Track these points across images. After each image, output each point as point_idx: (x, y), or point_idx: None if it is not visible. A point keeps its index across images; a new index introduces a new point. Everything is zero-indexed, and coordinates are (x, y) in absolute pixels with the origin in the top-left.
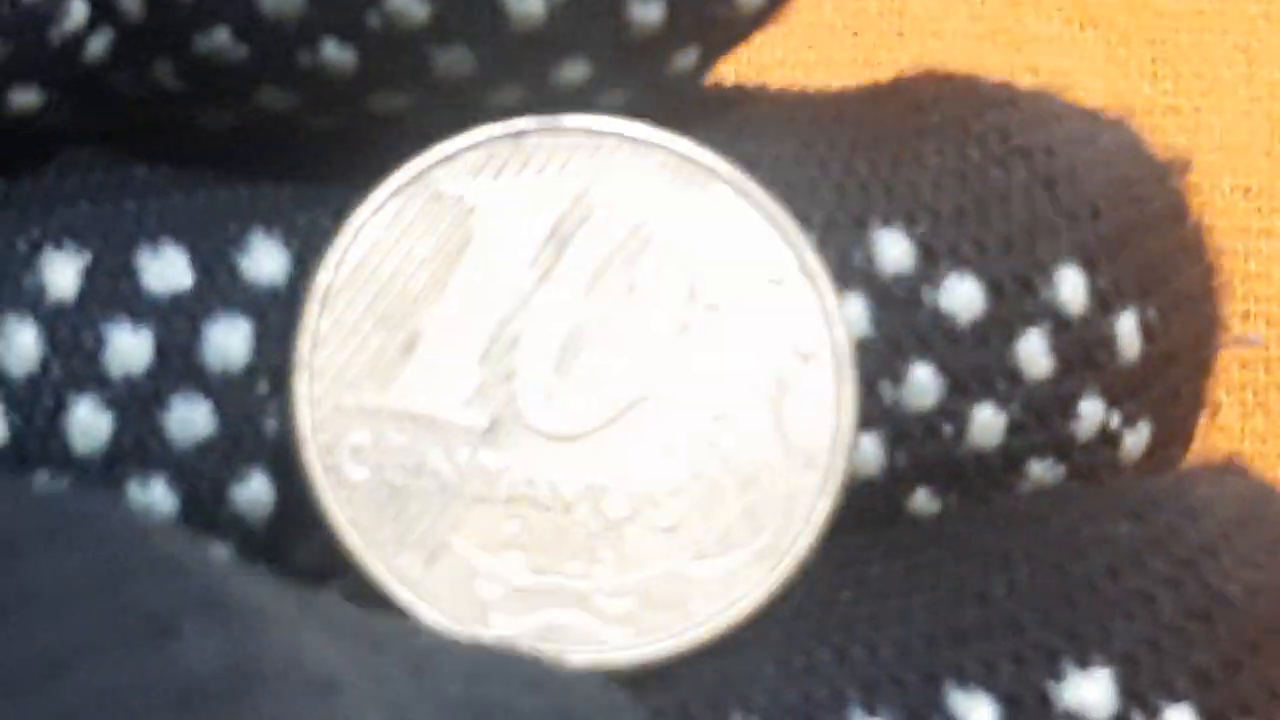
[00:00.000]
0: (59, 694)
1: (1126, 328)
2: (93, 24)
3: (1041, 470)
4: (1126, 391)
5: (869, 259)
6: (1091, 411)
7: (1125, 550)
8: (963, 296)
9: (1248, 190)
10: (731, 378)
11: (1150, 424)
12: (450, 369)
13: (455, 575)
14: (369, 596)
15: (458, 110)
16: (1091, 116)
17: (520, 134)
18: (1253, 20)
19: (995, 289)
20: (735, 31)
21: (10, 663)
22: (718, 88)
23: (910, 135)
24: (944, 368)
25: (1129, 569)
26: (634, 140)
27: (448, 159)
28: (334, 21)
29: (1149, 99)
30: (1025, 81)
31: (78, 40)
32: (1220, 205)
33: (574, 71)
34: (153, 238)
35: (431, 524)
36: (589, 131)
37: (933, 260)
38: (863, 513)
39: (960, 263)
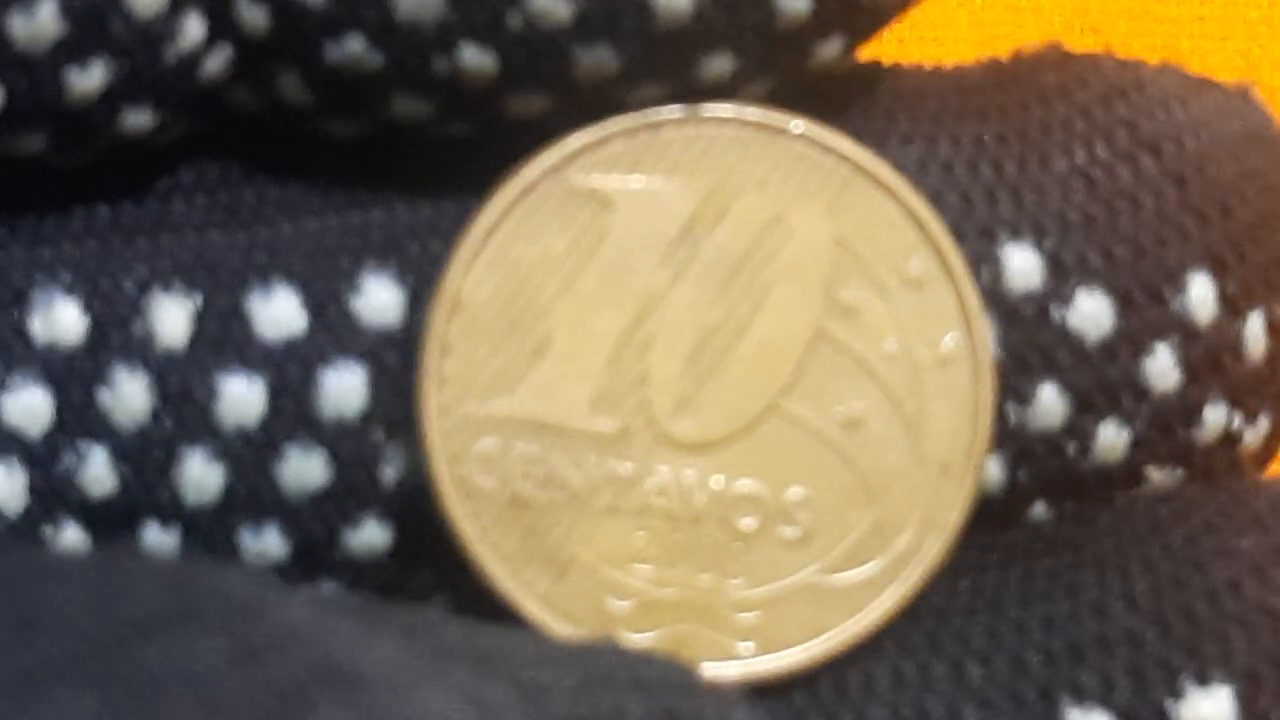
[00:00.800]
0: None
1: (1254, 329)
2: (211, 40)
3: (1161, 477)
4: (1250, 391)
5: (996, 276)
6: (1215, 417)
7: (1247, 562)
8: (1092, 314)
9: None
10: (866, 384)
11: (1270, 416)
12: (580, 373)
13: (584, 588)
14: (492, 609)
15: (594, 111)
16: (1218, 91)
17: (657, 125)
18: (1253, 26)
19: (1124, 301)
20: (879, 18)
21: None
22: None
23: (1036, 131)
24: (1071, 387)
25: (1251, 581)
26: (772, 130)
27: (582, 152)
28: (473, 24)
29: None
30: None
31: (194, 59)
32: None
33: (719, 66)
34: (264, 277)
35: (561, 537)
36: (727, 121)
37: (1062, 275)
38: (980, 523)
39: (1089, 276)
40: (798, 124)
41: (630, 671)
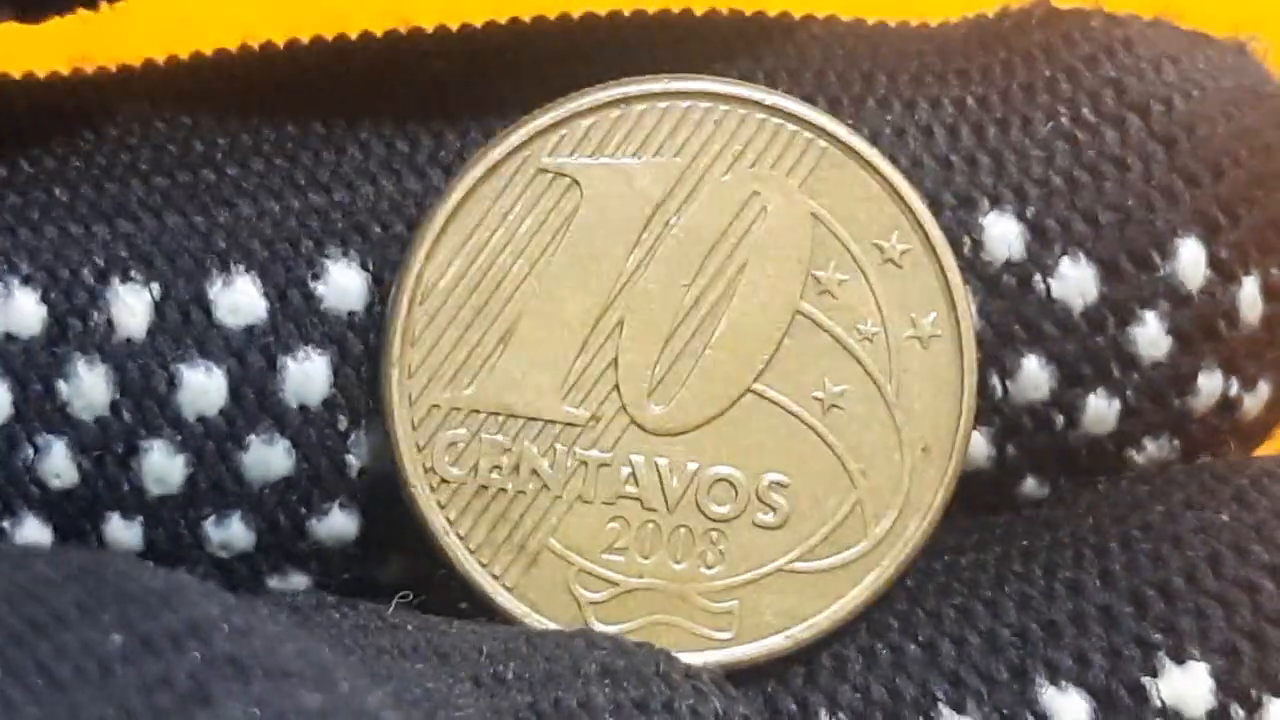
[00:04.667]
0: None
1: (1249, 294)
2: None
3: (1156, 448)
4: (1247, 356)
5: (977, 245)
6: (1210, 384)
7: (1227, 537)
8: (1076, 282)
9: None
10: (845, 364)
11: (1270, 382)
12: (549, 360)
13: (555, 579)
14: (463, 599)
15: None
16: (1213, 47)
17: (626, 100)
18: (1260, 20)
19: (1110, 269)
20: None
21: None
22: (810, 21)
23: (1020, 92)
24: (1056, 358)
25: (1231, 557)
26: (746, 103)
27: (548, 130)
28: None
29: None
30: None
31: None
32: None
33: None
34: (224, 264)
35: (531, 526)
36: (698, 94)
37: (1045, 243)
38: (969, 500)
39: (1073, 243)
40: (766, 93)
41: (599, 662)
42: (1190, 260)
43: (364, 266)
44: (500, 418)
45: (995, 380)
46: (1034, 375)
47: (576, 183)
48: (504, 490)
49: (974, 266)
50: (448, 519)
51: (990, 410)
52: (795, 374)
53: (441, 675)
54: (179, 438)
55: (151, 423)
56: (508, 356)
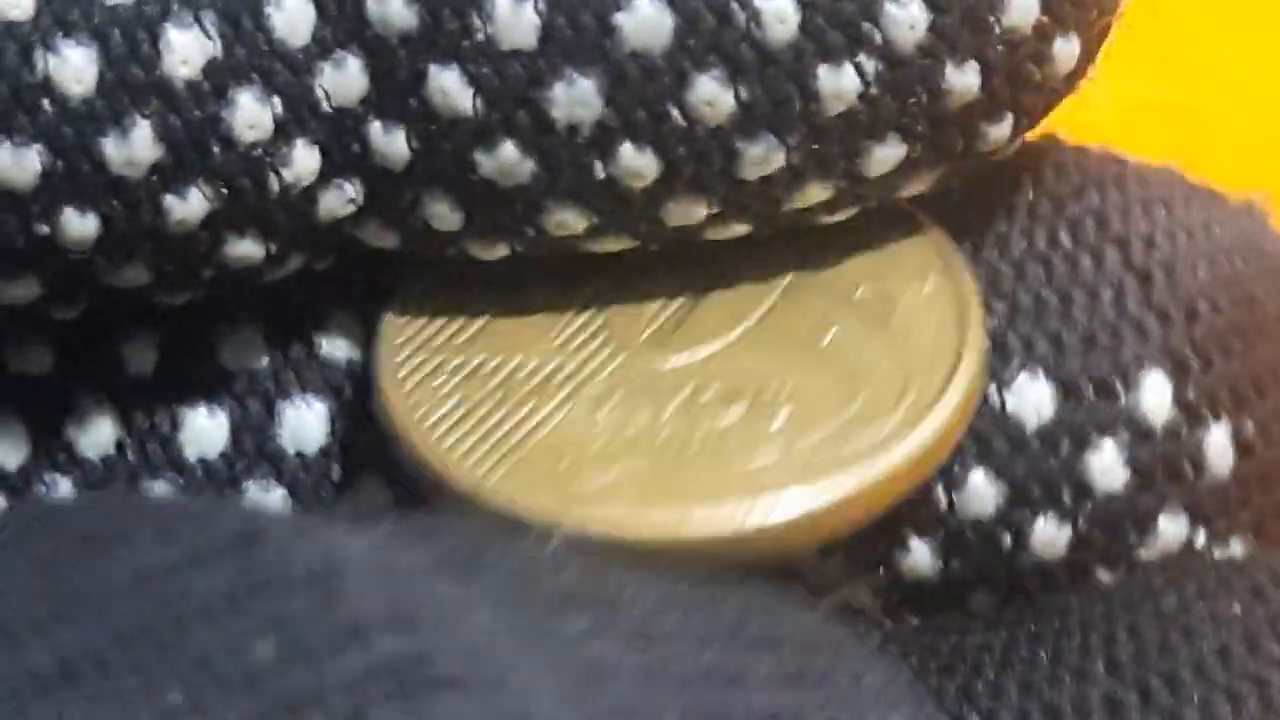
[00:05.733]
0: (157, 598)
1: (1218, 441)
2: (330, 174)
3: (1112, 581)
4: (1216, 509)
5: None
6: (1172, 528)
7: (1239, 631)
8: (1033, 399)
9: (1258, 192)
10: (841, 310)
11: (1244, 541)
12: (548, 315)
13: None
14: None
15: (757, 212)
16: (1214, 200)
17: None
18: (1266, 19)
19: (1070, 391)
20: (1050, 95)
21: (115, 578)
22: None
23: (1000, 214)
24: (1004, 475)
25: (1241, 650)
26: None
27: None
28: (631, 122)
29: (1160, 99)
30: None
31: (308, 191)
32: None
33: (887, 154)
34: (230, 317)
35: (524, 433)
36: None
37: (1003, 356)
38: (922, 607)
39: (1033, 360)
40: None
41: (761, 627)
42: (1154, 394)
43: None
44: (492, 362)
45: (940, 491)
46: (980, 490)
47: None
48: (495, 403)
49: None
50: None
51: (935, 521)
52: (793, 317)
53: (598, 632)
54: (180, 480)
55: (154, 465)
56: (498, 318)
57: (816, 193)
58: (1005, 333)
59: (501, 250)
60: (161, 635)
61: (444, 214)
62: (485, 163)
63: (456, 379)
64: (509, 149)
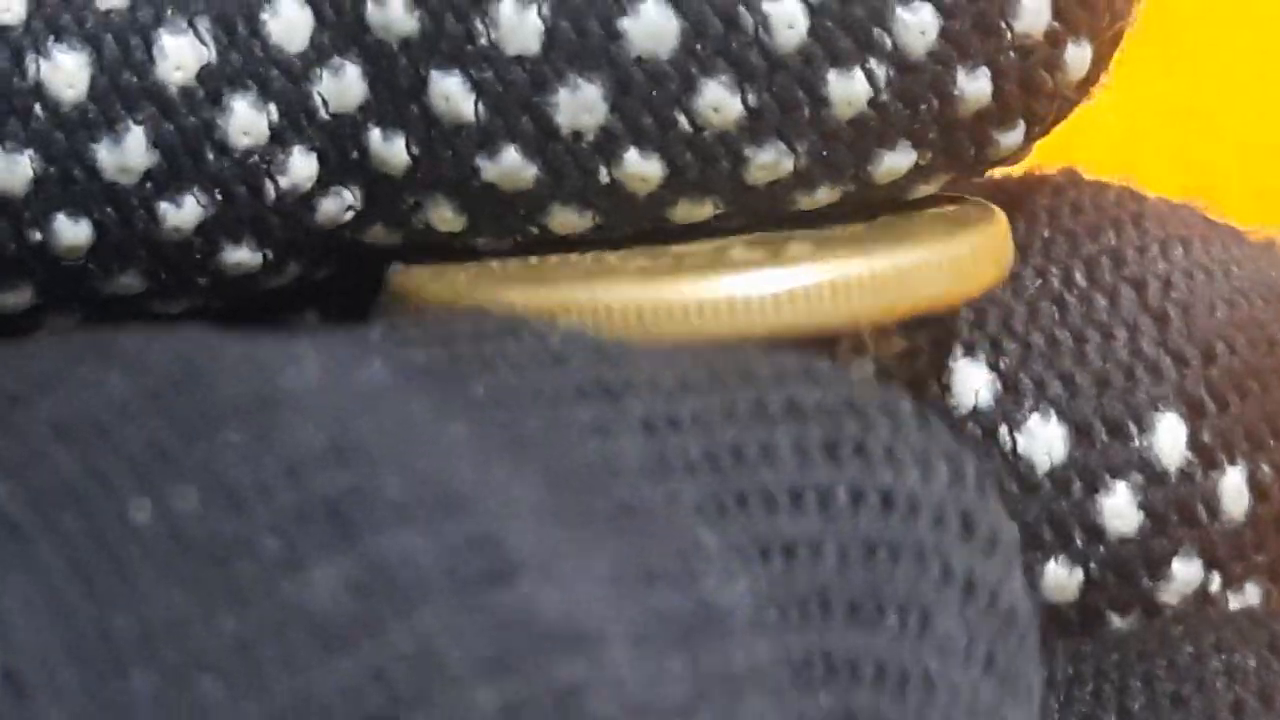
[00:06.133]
0: (78, 455)
1: (1233, 484)
2: (328, 181)
3: (1125, 625)
4: (1230, 553)
5: (944, 390)
6: (1186, 573)
7: (1254, 684)
8: (1044, 440)
9: (1261, 192)
10: None
11: (1261, 586)
12: None
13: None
14: None
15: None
16: (1233, 239)
17: None
18: (1270, 18)
19: (1082, 433)
20: (1062, 102)
21: (124, 625)
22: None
23: (1015, 251)
24: (1015, 517)
25: (1254, 704)
26: None
27: None
28: (637, 126)
29: (1163, 98)
30: None
31: (305, 198)
32: (1233, 207)
33: (897, 161)
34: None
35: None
36: None
37: (1016, 396)
38: None
39: (1045, 401)
40: None
41: (786, 398)
42: (1169, 437)
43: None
44: None
45: None
46: None
47: None
48: None
49: (939, 412)
50: None
51: None
52: None
53: (610, 424)
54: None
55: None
56: None
57: (825, 196)
58: (1018, 373)
59: (507, 245)
60: (81, 494)
61: (447, 217)
62: (488, 168)
63: None
64: (512, 155)
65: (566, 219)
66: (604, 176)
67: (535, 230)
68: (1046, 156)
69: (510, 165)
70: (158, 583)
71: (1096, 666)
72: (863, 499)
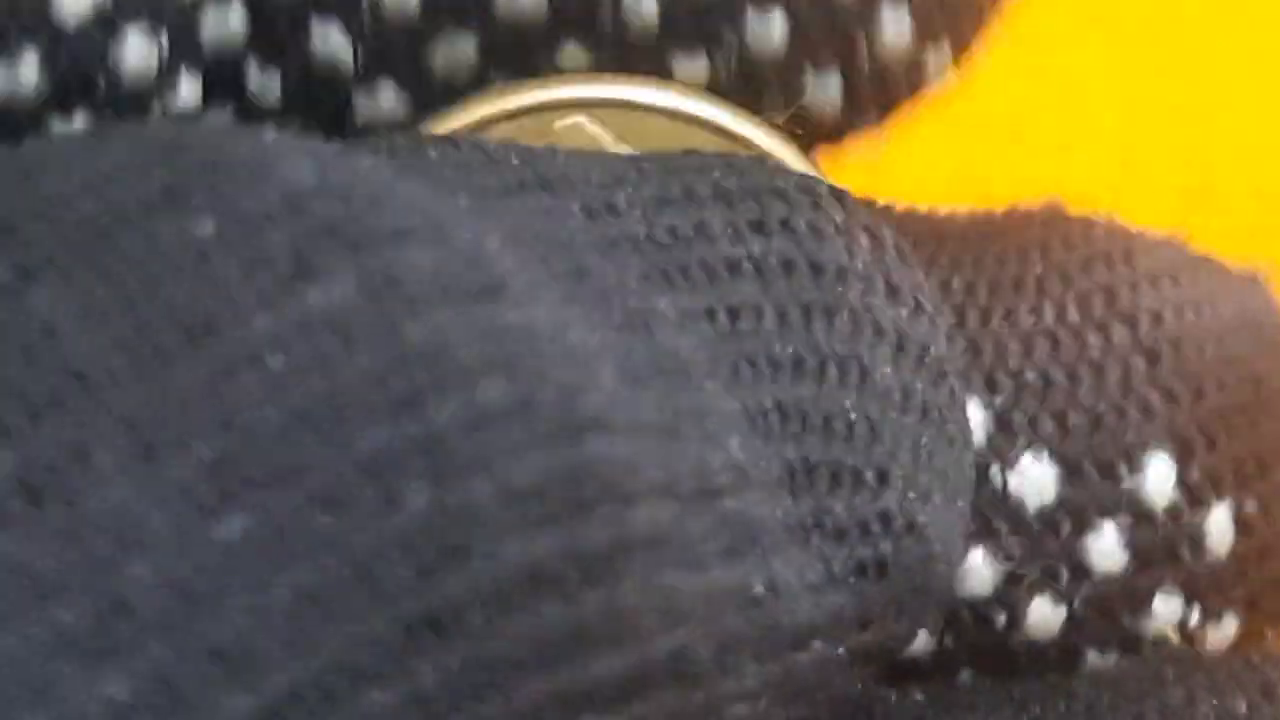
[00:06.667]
0: (211, 355)
1: (1218, 521)
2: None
3: (1102, 662)
4: (1211, 587)
5: None
6: (1167, 609)
7: None
8: (1035, 480)
9: (1261, 192)
10: None
11: (1238, 617)
12: None
13: None
14: None
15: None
16: (1219, 274)
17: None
18: (1266, 19)
19: (1073, 472)
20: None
21: (162, 330)
22: None
23: (1008, 285)
24: (1003, 555)
25: None
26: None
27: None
28: None
29: (1160, 98)
30: (1044, 98)
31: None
32: (1232, 207)
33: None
34: None
35: None
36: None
37: (1008, 436)
38: (910, 680)
39: (1037, 440)
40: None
41: (713, 184)
42: (1158, 476)
43: None
44: None
45: None
46: (978, 570)
47: None
48: None
49: None
50: None
51: None
52: None
53: (552, 209)
54: None
55: None
56: None
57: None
58: (1011, 411)
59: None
60: (101, 232)
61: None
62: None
63: None
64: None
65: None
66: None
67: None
68: (1046, 156)
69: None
70: (190, 291)
71: (1088, 706)
72: (794, 267)
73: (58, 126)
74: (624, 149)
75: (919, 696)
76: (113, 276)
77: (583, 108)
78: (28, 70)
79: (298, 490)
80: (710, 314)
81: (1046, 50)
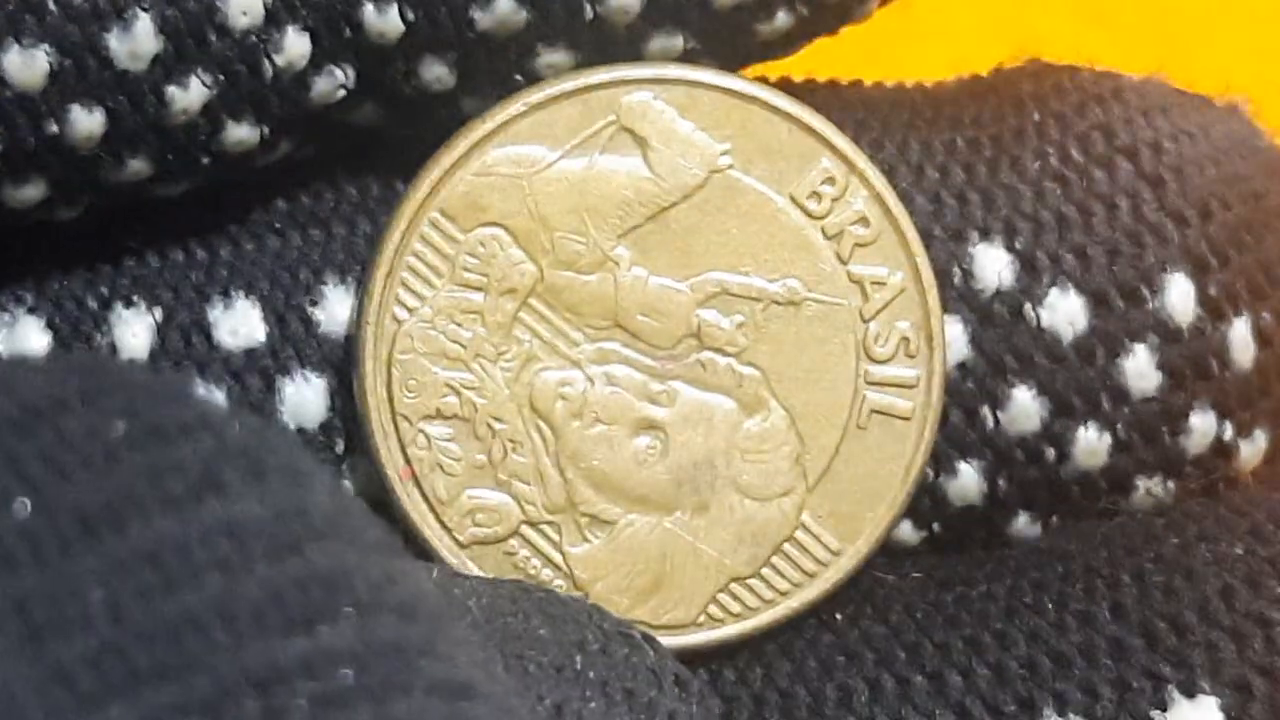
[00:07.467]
0: (110, 549)
1: (1239, 335)
2: (322, 60)
3: (1150, 487)
4: (1240, 401)
5: (968, 275)
6: (1203, 425)
7: (1241, 571)
8: (1066, 312)
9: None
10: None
11: (1268, 432)
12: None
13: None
14: None
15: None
16: (1203, 104)
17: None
18: (1264, 19)
19: (1100, 302)
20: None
21: (63, 519)
22: (808, 83)
23: (1010, 136)
24: (1046, 389)
25: (1244, 590)
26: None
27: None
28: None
29: None
30: None
31: (300, 76)
32: None
33: (666, 43)
34: (224, 290)
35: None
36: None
37: (1034, 274)
38: (962, 537)
39: (1063, 275)
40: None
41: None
42: (1179, 296)
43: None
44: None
45: (986, 412)
46: (1025, 406)
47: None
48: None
49: (965, 297)
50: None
51: (981, 443)
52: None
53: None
54: None
55: None
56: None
57: (783, 19)
58: (1033, 251)
59: (492, 101)
60: (13, 424)
61: (440, 75)
62: (482, 19)
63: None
64: (505, 3)
65: (553, 60)
66: (589, 13)
67: (520, 77)
68: None
69: (504, 11)
70: (96, 486)
71: (1086, 564)
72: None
73: (174, 93)
74: (686, 124)
75: (917, 574)
76: (19, 464)
77: (649, 84)
78: (143, 32)
79: (180, 691)
80: None
81: (1048, 51)
